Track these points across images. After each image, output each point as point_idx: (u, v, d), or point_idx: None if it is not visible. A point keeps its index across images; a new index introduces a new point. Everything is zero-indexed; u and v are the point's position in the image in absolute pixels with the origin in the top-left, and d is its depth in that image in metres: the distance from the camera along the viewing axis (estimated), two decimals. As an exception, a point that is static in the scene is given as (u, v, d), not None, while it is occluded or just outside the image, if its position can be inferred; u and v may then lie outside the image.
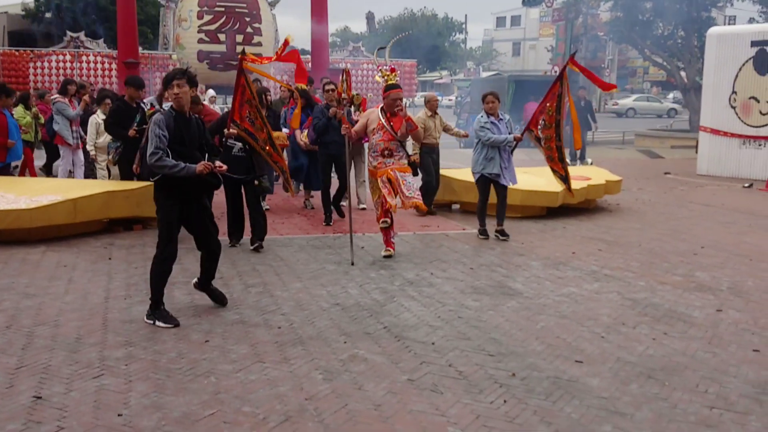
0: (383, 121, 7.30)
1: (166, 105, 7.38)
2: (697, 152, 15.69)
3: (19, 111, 11.37)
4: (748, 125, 14.50)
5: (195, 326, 5.19)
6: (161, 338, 4.96)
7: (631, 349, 4.83)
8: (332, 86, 9.39)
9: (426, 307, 5.76)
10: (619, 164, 12.37)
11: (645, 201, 11.54)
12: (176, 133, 5.05)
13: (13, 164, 10.48)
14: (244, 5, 13.90)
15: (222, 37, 13.70)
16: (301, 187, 11.00)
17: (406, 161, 7.41)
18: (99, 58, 20.52)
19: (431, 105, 10.06)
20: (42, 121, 11.64)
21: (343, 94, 8.14)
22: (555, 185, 10.07)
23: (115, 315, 5.41)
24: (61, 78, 19.89)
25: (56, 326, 5.15)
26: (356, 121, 8.04)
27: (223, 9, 13.76)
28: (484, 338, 5.04)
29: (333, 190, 9.54)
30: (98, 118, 9.80)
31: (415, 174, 7.55)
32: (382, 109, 7.38)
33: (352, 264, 7.07)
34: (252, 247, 7.63)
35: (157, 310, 5.19)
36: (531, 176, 10.67)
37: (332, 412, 3.84)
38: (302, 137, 9.88)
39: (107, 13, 33.06)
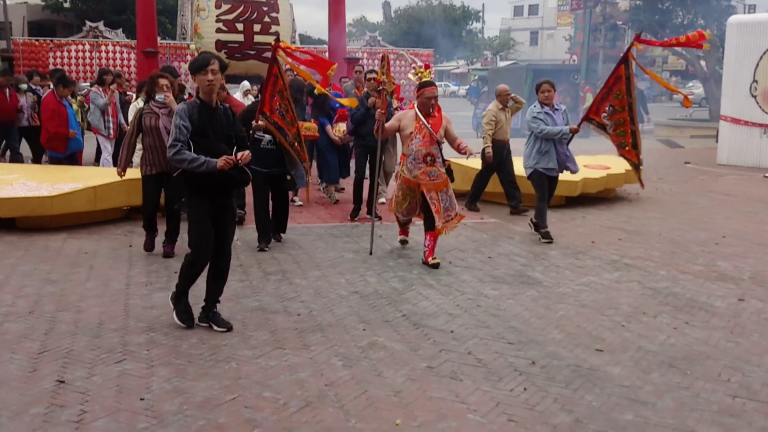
0: (423, 121, 6.63)
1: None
2: (717, 142, 15.51)
3: None
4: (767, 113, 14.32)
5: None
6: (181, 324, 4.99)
7: (653, 338, 4.80)
8: (373, 74, 8.79)
9: (444, 295, 5.76)
10: (652, 154, 12.28)
11: (665, 191, 11.43)
12: (199, 124, 4.63)
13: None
14: (262, -6, 13.88)
15: (240, 26, 13.68)
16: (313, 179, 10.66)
17: (444, 168, 6.76)
18: (118, 48, 20.64)
19: (502, 98, 9.47)
20: (87, 108, 11.71)
21: (382, 82, 7.40)
22: (575, 174, 10.04)
23: (137, 301, 5.46)
24: (80, 68, 20.06)
25: (78, 312, 5.20)
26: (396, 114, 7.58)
27: (241, -1, 13.74)
28: (504, 326, 5.03)
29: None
30: (138, 104, 9.88)
31: (452, 180, 6.83)
32: (418, 109, 6.73)
33: (371, 254, 6.99)
34: (276, 239, 7.50)
35: (179, 302, 4.92)
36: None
37: (352, 398, 3.85)
38: (335, 132, 9.75)
39: (126, 3, 33.19)
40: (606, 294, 5.82)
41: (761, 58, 14.35)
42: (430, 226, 6.71)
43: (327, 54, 16.40)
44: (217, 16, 13.59)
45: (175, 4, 27.50)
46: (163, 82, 6.74)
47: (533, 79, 24.72)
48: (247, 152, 4.72)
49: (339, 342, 4.68)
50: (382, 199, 9.63)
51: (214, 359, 4.36)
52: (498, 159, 9.29)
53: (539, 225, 7.73)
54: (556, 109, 7.72)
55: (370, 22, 57.96)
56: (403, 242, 7.42)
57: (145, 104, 6.95)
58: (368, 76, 9.02)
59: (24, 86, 11.74)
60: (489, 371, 4.24)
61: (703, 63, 28.49)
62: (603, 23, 31.52)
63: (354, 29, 57.19)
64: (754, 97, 14.36)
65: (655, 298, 5.70)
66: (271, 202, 7.42)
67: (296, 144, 7.09)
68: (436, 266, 6.53)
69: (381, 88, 7.34)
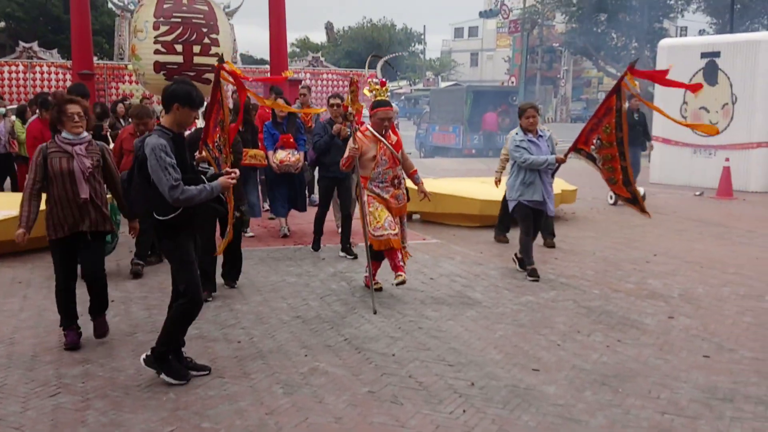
0: (386, 144, 6.22)
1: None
2: (649, 161, 16.09)
3: (17, 125, 11.04)
4: (698, 134, 14.92)
5: (152, 342, 5.10)
6: (119, 355, 4.90)
7: (586, 356, 4.94)
8: (338, 100, 8.21)
9: (387, 318, 5.80)
10: (573, 173, 12.59)
11: (599, 210, 11.79)
12: (177, 158, 4.20)
13: None
14: (201, 16, 13.77)
15: (179, 47, 13.54)
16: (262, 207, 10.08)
17: (405, 189, 6.47)
18: (53, 69, 20.17)
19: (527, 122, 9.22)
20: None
21: (349, 109, 6.73)
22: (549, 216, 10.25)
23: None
24: (14, 89, 19.51)
25: (11, 344, 5.05)
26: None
27: (179, 20, 13.60)
28: (444, 348, 5.10)
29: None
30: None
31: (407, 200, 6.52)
32: (372, 130, 6.28)
33: (375, 313, 5.92)
34: (229, 286, 6.69)
35: (165, 361, 4.39)
36: (487, 186, 10.81)
37: (293, 426, 3.85)
38: (274, 158, 8.65)
39: (61, 23, 32.52)
40: (542, 313, 5.97)
41: (690, 80, 14.96)
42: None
43: (268, 74, 16.38)
44: (155, 37, 13.41)
45: (112, 24, 27.10)
46: (73, 110, 4.91)
47: (473, 100, 25.25)
48: (236, 170, 4.53)
49: (280, 369, 4.67)
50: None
51: (152, 390, 4.29)
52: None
53: (525, 261, 7.23)
54: (540, 136, 7.18)
55: (314, 43, 58.05)
56: (400, 282, 6.23)
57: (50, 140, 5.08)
58: (332, 101, 8.34)
59: (2, 110, 11.18)
60: (429, 394, 4.30)
61: (635, 84, 29.46)
62: (540, 45, 32.40)
63: (297, 49, 57.21)
64: (685, 118, 14.96)
65: (588, 317, 5.87)
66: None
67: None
68: (401, 283, 6.18)
69: (348, 114, 6.70)
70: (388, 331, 5.48)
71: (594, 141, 6.80)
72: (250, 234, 9.03)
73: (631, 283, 6.96)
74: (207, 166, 6.02)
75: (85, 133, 5.01)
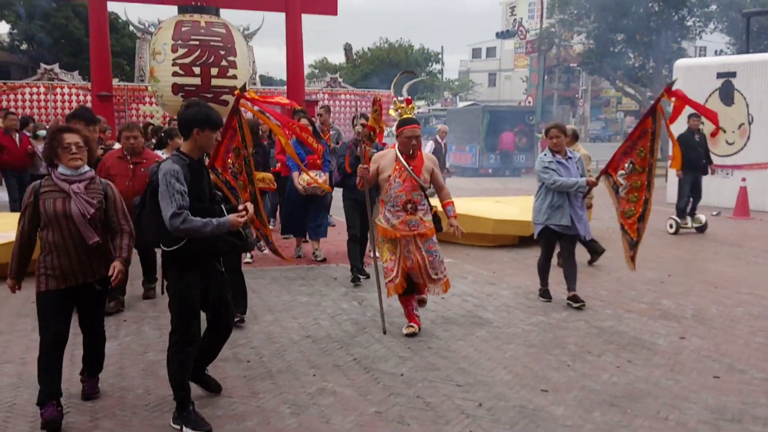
0: (404, 163, 5.79)
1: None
2: (666, 181, 15.99)
3: None
4: (715, 154, 14.82)
5: (163, 362, 5.14)
6: (128, 375, 4.95)
7: (596, 377, 4.91)
8: (364, 120, 7.66)
9: (396, 337, 5.80)
10: (596, 193, 12.55)
11: (616, 229, 11.65)
12: (193, 185, 3.97)
13: None
14: (219, 38, 14.00)
15: (197, 70, 13.76)
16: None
17: (430, 215, 5.93)
18: (74, 90, 20.54)
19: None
20: None
21: (373, 129, 6.34)
22: (525, 213, 10.26)
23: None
24: (35, 110, 19.88)
25: (22, 364, 5.12)
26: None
27: (197, 42, 13.84)
28: (453, 368, 5.09)
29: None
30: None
31: (439, 230, 5.97)
32: (399, 151, 5.90)
33: (384, 333, 5.91)
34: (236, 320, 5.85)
35: (184, 411, 4.03)
36: (503, 205, 10.82)
37: (298, 445, 3.86)
38: (300, 179, 8.42)
39: (82, 46, 33.13)
40: (554, 333, 5.94)
41: (706, 100, 14.93)
42: (410, 289, 5.94)
43: (285, 95, 16.55)
44: (173, 59, 13.65)
45: (133, 46, 27.55)
46: (70, 140, 4.18)
47: (489, 120, 25.30)
48: (251, 205, 4.28)
49: (288, 389, 4.68)
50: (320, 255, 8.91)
51: (160, 410, 4.32)
52: None
53: (541, 282, 7.12)
54: (569, 157, 6.78)
55: (332, 64, 58.51)
56: (410, 334, 5.89)
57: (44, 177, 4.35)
58: (360, 121, 8.02)
59: (42, 132, 11.17)
60: (436, 415, 4.29)
61: (653, 103, 29.36)
62: (557, 66, 32.45)
63: (316, 70, 57.70)
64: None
65: (600, 337, 5.83)
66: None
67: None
68: (411, 335, 5.81)
69: (371, 134, 6.31)
70: (397, 350, 5.48)
71: (626, 165, 6.31)
72: (248, 259, 8.67)
73: (645, 304, 6.90)
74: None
75: (87, 168, 4.26)
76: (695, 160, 11.13)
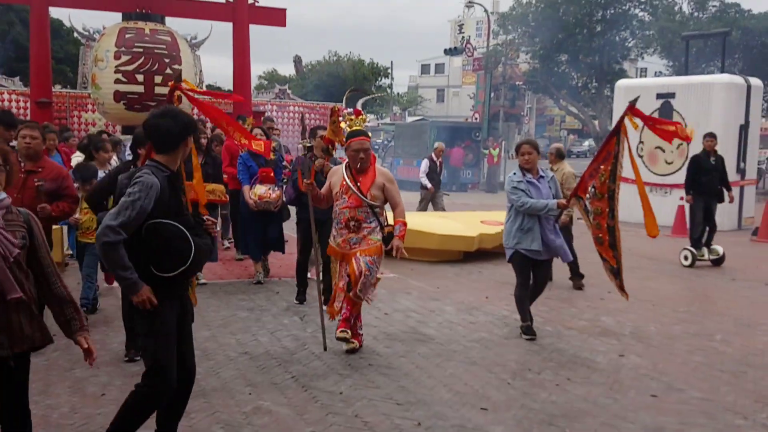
0: (347, 180, 5.53)
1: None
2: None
3: None
4: (654, 173, 15.22)
5: (92, 378, 4.96)
6: (54, 391, 4.72)
7: (535, 395, 4.89)
8: (321, 132, 7.08)
9: (337, 354, 5.70)
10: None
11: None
12: (172, 200, 3.48)
13: None
14: (164, 46, 13.74)
15: (140, 77, 13.46)
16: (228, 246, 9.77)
17: (378, 236, 5.58)
18: (14, 96, 19.84)
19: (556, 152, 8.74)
20: None
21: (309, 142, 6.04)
22: (471, 229, 10.30)
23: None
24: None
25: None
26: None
27: (141, 50, 13.56)
28: (393, 386, 5.01)
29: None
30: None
31: (391, 253, 5.58)
32: (347, 165, 5.66)
33: (325, 349, 5.72)
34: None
35: None
36: (448, 220, 10.84)
37: (230, 468, 3.71)
38: (251, 194, 7.81)
39: (25, 51, 32.19)
40: (495, 350, 5.92)
41: (645, 120, 15.31)
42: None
43: (232, 106, 16.34)
44: (116, 66, 13.34)
45: (77, 53, 26.85)
46: None
47: (436, 135, 25.44)
48: (211, 220, 3.88)
49: (222, 408, 4.52)
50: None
51: (86, 430, 4.12)
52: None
53: (521, 318, 6.37)
54: (541, 176, 6.32)
55: (282, 76, 58.17)
56: (349, 348, 5.74)
57: None
58: (320, 133, 7.17)
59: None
60: (375, 435, 4.20)
61: (596, 122, 30.13)
62: (503, 83, 32.95)
63: (265, 81, 57.29)
64: (641, 156, 15.24)
65: (540, 354, 5.83)
66: None
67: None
68: (343, 340, 5.64)
69: (329, 147, 6.08)
70: (337, 368, 5.37)
71: (589, 189, 5.93)
72: (203, 281, 8.01)
73: (584, 320, 6.96)
74: None
75: (3, 194, 3.04)
76: (707, 185, 10.03)
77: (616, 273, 5.87)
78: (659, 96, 15.26)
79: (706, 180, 10.06)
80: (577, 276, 8.54)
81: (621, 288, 5.88)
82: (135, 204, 3.30)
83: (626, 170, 5.86)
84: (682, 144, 14.83)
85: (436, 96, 67.19)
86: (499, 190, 24.04)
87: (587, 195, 5.95)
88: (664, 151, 15.11)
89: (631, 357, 5.83)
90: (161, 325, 3.47)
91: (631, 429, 4.35)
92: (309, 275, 7.60)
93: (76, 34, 28.60)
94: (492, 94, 31.21)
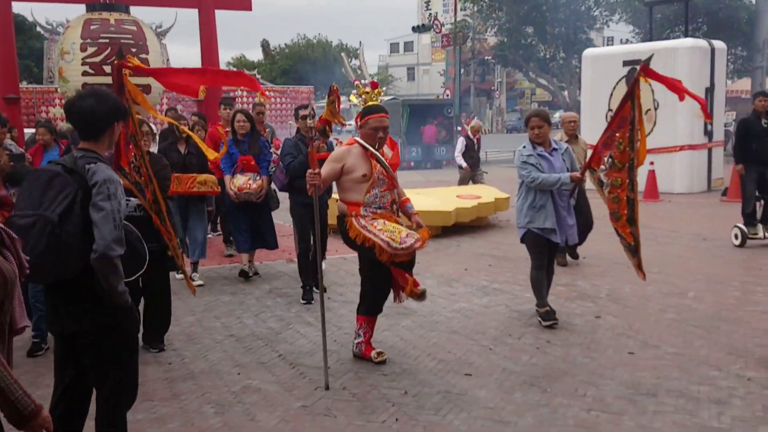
0: (380, 158, 4.88)
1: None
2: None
3: None
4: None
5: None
6: (44, 383, 4.75)
7: (516, 359, 5.04)
8: (308, 111, 6.56)
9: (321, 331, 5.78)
10: (512, 182, 12.81)
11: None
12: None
13: None
14: (130, 36, 13.57)
15: (107, 69, 13.29)
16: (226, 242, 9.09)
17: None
18: (-23, 94, 19.53)
19: (568, 126, 8.15)
20: None
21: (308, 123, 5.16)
22: (447, 204, 10.42)
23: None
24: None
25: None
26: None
27: (107, 40, 13.37)
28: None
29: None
30: None
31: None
32: (360, 145, 4.94)
33: (327, 388, 4.59)
34: (154, 350, 5.37)
35: None
36: (424, 197, 10.93)
37: (223, 445, 3.81)
38: (232, 184, 7.31)
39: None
40: (475, 319, 6.06)
41: (614, 88, 15.50)
42: (369, 309, 5.18)
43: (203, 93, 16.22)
44: (82, 59, 13.15)
45: (41, 48, 26.45)
46: None
47: (409, 113, 25.50)
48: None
49: (211, 388, 4.61)
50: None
51: (78, 417, 4.17)
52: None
53: (538, 303, 5.93)
54: (554, 149, 5.86)
55: (250, 61, 57.68)
56: (381, 355, 5.11)
57: None
58: (302, 113, 6.75)
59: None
60: (362, 405, 4.31)
61: (565, 93, 30.34)
62: (473, 59, 33.02)
63: (234, 68, 56.80)
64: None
65: (520, 320, 5.99)
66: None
67: (153, 216, 4.82)
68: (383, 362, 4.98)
69: (326, 129, 5.53)
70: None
71: (605, 160, 5.46)
72: (199, 282, 7.44)
73: (562, 286, 7.12)
74: (127, 197, 4.67)
75: None
76: (760, 152, 8.84)
77: (633, 251, 5.46)
78: (626, 63, 15.43)
79: (757, 146, 8.84)
80: (568, 253, 8.17)
81: (639, 267, 5.48)
82: (118, 206, 3.00)
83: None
84: (650, 110, 15.07)
85: (406, 75, 67.07)
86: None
87: (603, 166, 5.48)
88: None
89: (607, 318, 6.00)
90: (134, 336, 3.28)
91: (609, 385, 4.51)
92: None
93: (39, 29, 28.16)
94: (462, 70, 31.30)
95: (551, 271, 6.02)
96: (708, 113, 5.40)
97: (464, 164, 12.79)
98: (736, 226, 9.04)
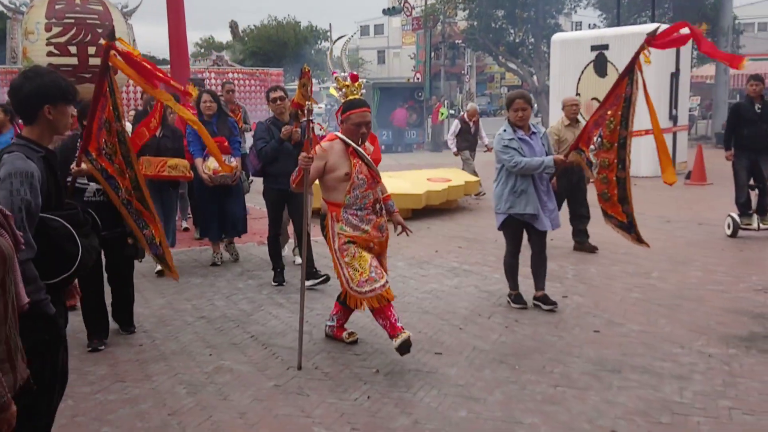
0: (363, 155, 4.72)
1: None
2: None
3: None
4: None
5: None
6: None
7: (486, 338, 5.13)
8: (280, 93, 6.54)
9: (294, 313, 5.80)
10: (489, 166, 12.87)
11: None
12: (52, 188, 2.93)
13: None
14: (96, 16, 13.35)
15: (73, 49, 13.07)
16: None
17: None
18: (-62, 75, 19.06)
19: (570, 110, 7.99)
20: None
21: (306, 105, 4.90)
22: (418, 187, 10.48)
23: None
24: None
25: None
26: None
27: (72, 20, 13.14)
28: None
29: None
30: None
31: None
32: (341, 140, 4.76)
33: (300, 368, 4.63)
34: (124, 332, 5.37)
35: None
36: (395, 180, 10.96)
37: (196, 425, 3.83)
38: (205, 167, 7.14)
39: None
40: (446, 300, 6.14)
41: (582, 72, 15.65)
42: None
43: (170, 74, 16.02)
44: (47, 39, 12.91)
45: (3, 27, 25.79)
46: None
47: (380, 97, 25.47)
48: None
49: (183, 369, 4.62)
50: (298, 258, 7.32)
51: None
52: (566, 186, 7.79)
53: (510, 284, 6.00)
54: (533, 133, 5.71)
55: (219, 42, 56.86)
56: (352, 336, 5.18)
57: None
58: (272, 95, 6.60)
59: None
60: (335, 384, 4.36)
61: (534, 78, 30.52)
62: (443, 42, 33.02)
63: (202, 49, 55.97)
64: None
65: (489, 300, 6.08)
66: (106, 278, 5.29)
67: (135, 202, 4.73)
68: (408, 344, 4.51)
69: (299, 112, 5.22)
70: (295, 326, 5.46)
71: (594, 139, 5.35)
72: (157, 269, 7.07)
73: (530, 267, 7.22)
74: (86, 182, 4.96)
75: None
76: (752, 138, 8.42)
77: (627, 228, 5.42)
78: (593, 48, 15.58)
79: (749, 132, 8.44)
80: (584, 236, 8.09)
81: (638, 240, 5.47)
82: (17, 201, 2.69)
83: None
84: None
85: (377, 58, 66.82)
86: (444, 149, 24.30)
87: (593, 146, 5.37)
88: (600, 102, 15.50)
89: (574, 297, 6.13)
90: (61, 347, 2.86)
91: (576, 362, 4.62)
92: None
93: (1, 8, 27.51)
94: (432, 54, 31.28)
95: (543, 257, 5.88)
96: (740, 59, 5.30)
97: (454, 148, 12.74)
98: (729, 216, 8.71)
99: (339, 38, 5.99)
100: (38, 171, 2.79)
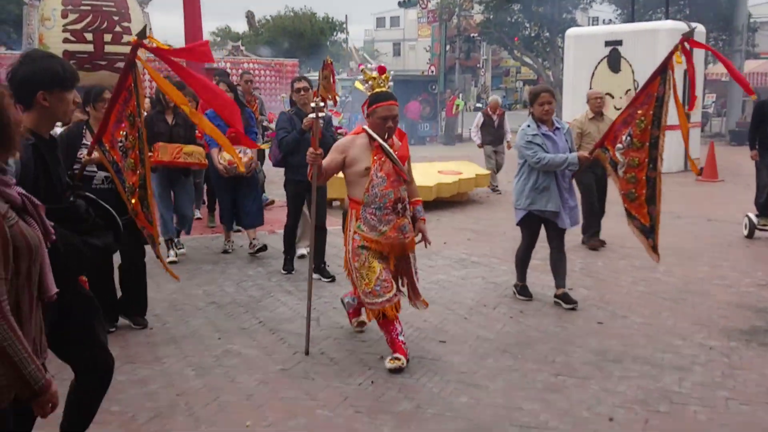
0: (389, 151, 4.50)
1: None
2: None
3: None
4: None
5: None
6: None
7: (490, 327, 5.21)
8: (304, 84, 6.55)
9: (302, 300, 5.89)
10: (509, 160, 12.88)
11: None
12: (43, 177, 2.74)
13: None
14: (112, 3, 13.49)
15: (89, 36, 13.21)
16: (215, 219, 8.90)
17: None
18: (-45, 60, 19.28)
19: (594, 103, 7.89)
20: None
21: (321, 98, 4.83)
22: (428, 179, 10.54)
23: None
24: None
25: None
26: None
27: (89, 7, 13.29)
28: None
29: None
30: None
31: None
32: (367, 135, 4.57)
33: (307, 353, 4.70)
34: (138, 324, 5.28)
35: None
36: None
37: (203, 405, 3.94)
38: (220, 158, 7.11)
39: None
40: (453, 290, 6.21)
41: (596, 67, 15.63)
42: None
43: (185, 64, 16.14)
44: (63, 25, 13.07)
45: (19, 13, 26.01)
46: None
47: (394, 90, 25.47)
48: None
49: (192, 352, 4.73)
50: (304, 251, 7.25)
51: (59, 378, 4.24)
52: (587, 180, 7.69)
53: (518, 276, 6.04)
54: (557, 128, 5.63)
55: (235, 32, 57.01)
56: (361, 325, 5.16)
57: None
58: (297, 85, 6.60)
59: None
60: (340, 369, 4.45)
61: (549, 73, 30.44)
62: (458, 35, 32.96)
63: (218, 39, 56.14)
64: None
65: (495, 291, 6.16)
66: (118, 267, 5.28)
67: (134, 200, 4.39)
68: (397, 370, 4.39)
69: (321, 106, 4.81)
70: (303, 312, 5.55)
71: (623, 138, 5.18)
72: (172, 259, 7.15)
73: (537, 260, 7.21)
74: (95, 169, 4.94)
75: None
76: None
77: (648, 232, 5.20)
78: (607, 43, 15.56)
79: None
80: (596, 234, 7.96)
81: (653, 248, 5.21)
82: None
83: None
84: (629, 90, 15.22)
85: (392, 50, 66.71)
86: (457, 143, 24.33)
87: (620, 145, 5.19)
88: (613, 97, 15.45)
89: (579, 290, 6.18)
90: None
91: (578, 352, 4.69)
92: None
93: (17, -5, 27.70)
94: (447, 47, 31.24)
95: (563, 254, 5.81)
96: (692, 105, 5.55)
97: (478, 141, 12.60)
98: (746, 215, 8.48)
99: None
100: (19, 162, 2.48)
